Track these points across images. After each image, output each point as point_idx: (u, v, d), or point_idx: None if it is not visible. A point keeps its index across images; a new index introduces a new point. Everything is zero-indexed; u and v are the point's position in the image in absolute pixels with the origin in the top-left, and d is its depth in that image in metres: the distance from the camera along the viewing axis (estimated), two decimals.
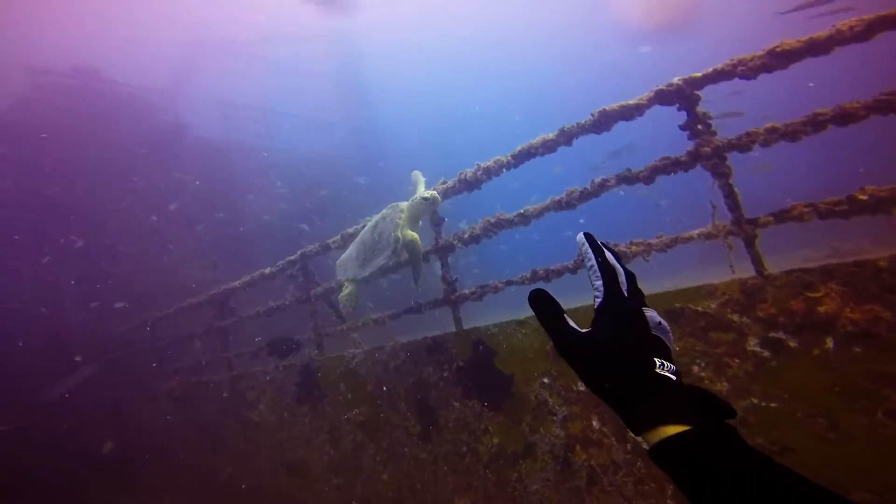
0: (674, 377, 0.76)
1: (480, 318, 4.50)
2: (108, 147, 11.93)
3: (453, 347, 3.86)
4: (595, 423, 3.01)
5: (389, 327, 4.55)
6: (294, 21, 27.84)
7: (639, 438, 0.75)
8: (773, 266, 2.50)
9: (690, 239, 2.68)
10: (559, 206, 3.33)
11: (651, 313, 0.85)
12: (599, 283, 0.86)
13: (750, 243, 2.45)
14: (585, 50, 38.90)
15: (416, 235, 3.91)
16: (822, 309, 2.03)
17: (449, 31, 39.82)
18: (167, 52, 20.51)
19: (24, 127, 11.58)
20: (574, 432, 3.09)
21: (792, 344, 2.12)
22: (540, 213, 3.48)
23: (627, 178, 2.98)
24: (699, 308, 2.53)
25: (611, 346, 0.80)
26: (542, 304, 0.87)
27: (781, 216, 2.35)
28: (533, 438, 3.30)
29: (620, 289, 0.87)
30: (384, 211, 4.11)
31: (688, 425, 0.68)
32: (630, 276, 0.90)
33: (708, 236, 2.61)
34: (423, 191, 3.94)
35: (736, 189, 2.52)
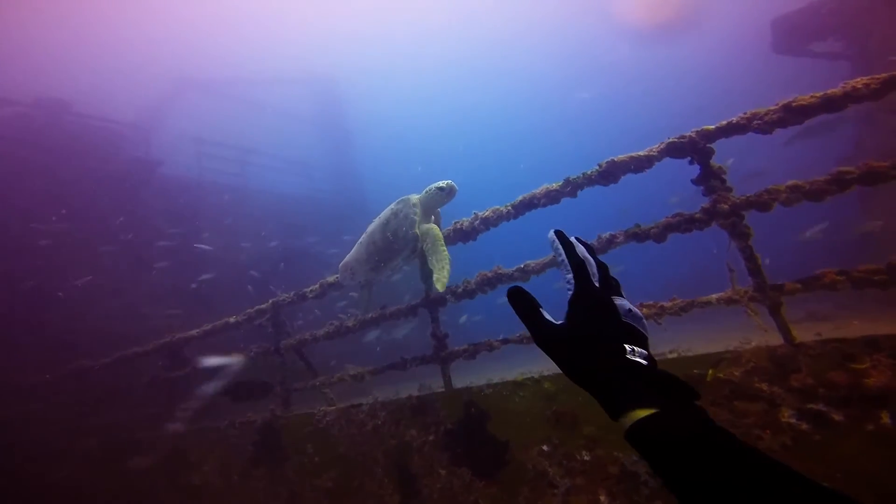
0: (645, 362, 0.78)
1: (472, 372, 4.22)
2: (67, 182, 11.14)
3: (441, 408, 3.54)
4: (603, 498, 2.73)
5: (369, 383, 4.19)
6: (276, 63, 28.21)
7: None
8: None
9: (708, 304, 2.56)
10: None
11: (621, 301, 0.88)
12: (570, 276, 0.91)
13: (775, 310, 2.34)
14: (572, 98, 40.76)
15: (436, 227, 3.58)
16: (870, 382, 1.91)
17: (433, 76, 41.25)
18: (146, 89, 20.13)
19: None
20: None
21: (837, 417, 1.98)
22: (542, 269, 3.33)
23: (637, 235, 2.89)
24: (721, 375, 2.38)
25: (582, 334, 0.83)
26: (520, 299, 0.91)
27: (810, 283, 2.25)
28: None
29: (591, 280, 0.90)
30: (393, 206, 3.80)
31: (657, 408, 0.70)
32: (602, 267, 0.94)
33: (728, 302, 2.49)
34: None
35: (756, 252, 2.43)
